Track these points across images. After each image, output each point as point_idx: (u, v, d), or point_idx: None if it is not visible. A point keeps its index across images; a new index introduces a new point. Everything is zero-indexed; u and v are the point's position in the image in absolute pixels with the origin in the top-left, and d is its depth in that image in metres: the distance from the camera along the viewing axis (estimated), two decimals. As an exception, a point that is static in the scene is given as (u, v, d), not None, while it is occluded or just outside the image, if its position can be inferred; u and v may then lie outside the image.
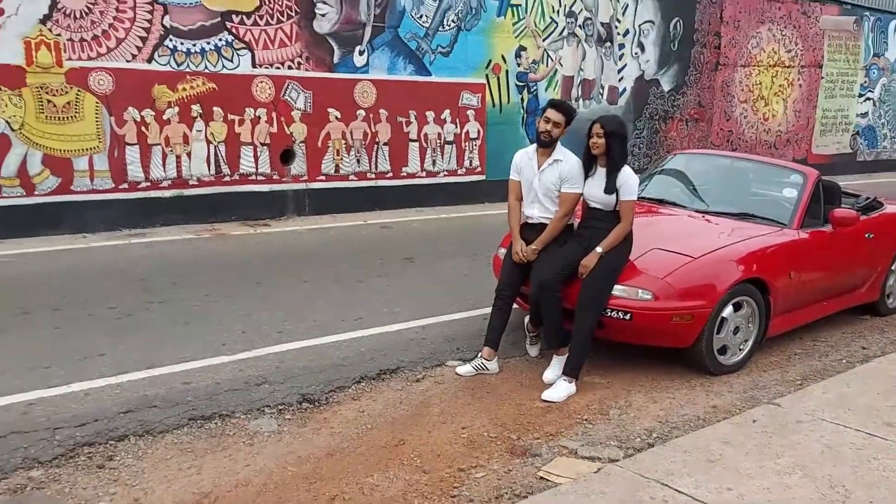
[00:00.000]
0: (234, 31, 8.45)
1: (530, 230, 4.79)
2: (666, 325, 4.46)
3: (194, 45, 8.23)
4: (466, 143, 10.57)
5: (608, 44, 12.17)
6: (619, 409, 4.21)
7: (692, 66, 13.46)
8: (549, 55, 11.42)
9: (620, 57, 12.41)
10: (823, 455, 3.43)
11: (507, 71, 10.92)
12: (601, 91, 12.23)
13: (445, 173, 10.41)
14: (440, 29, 10.07)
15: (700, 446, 3.50)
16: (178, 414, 3.91)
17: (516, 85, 11.09)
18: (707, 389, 4.54)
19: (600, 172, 4.59)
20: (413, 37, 9.83)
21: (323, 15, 9.04)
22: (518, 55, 11.02)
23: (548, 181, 4.68)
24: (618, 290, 4.51)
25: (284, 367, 4.53)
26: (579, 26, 11.71)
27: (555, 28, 11.40)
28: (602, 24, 11.99)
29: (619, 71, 12.44)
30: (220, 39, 8.40)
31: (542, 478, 3.40)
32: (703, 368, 4.71)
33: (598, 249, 4.45)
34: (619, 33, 12.26)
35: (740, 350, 4.85)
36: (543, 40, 11.30)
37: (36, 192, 7.53)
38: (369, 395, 4.31)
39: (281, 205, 9.01)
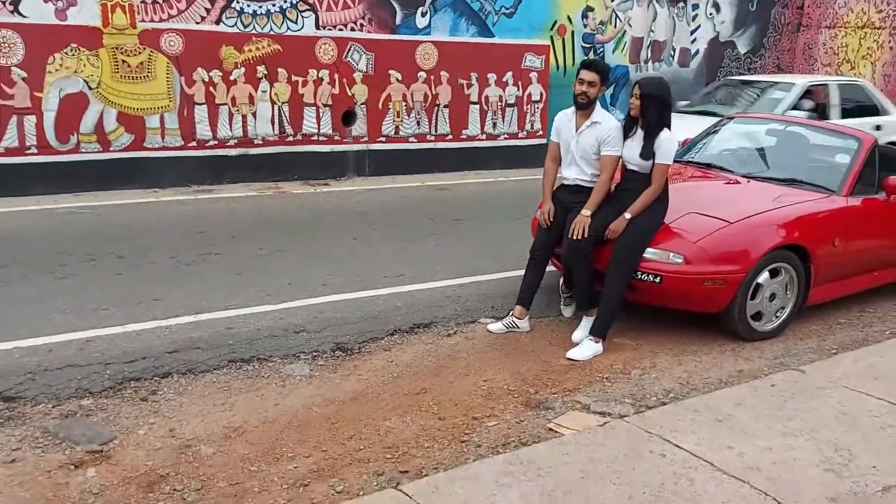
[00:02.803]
0: (298, -7, 8.65)
1: (565, 191, 4.84)
2: (697, 289, 4.46)
3: (260, 7, 8.48)
4: (528, 106, 10.55)
5: (681, 4, 11.83)
6: (641, 369, 4.26)
7: (771, 28, 12.95)
8: (617, 16, 11.21)
9: (694, 18, 12.05)
10: (837, 420, 3.41)
11: (572, 32, 10.80)
12: (672, 53, 11.94)
13: (506, 136, 10.42)
14: (505, -11, 10.02)
15: (712, 407, 3.54)
16: (219, 356, 4.19)
17: (582, 46, 10.95)
18: (737, 354, 4.52)
19: (640, 135, 4.58)
20: (476, -2, 9.82)
21: (386, -24, 9.14)
22: (585, 16, 10.87)
23: (585, 143, 4.70)
24: (649, 252, 4.52)
25: (323, 317, 4.76)
26: (651, -14, 11.42)
27: (625, -12, 11.15)
28: (675, -18, 11.66)
29: (692, 32, 12.10)
30: (286, 1, 8.61)
31: (550, 429, 3.51)
32: (736, 334, 4.69)
33: (627, 215, 4.46)
34: (693, -7, 11.90)
35: (776, 317, 4.79)
36: (612, 0, 11.08)
37: (111, 148, 7.99)
38: (400, 346, 4.49)
39: (341, 165, 9.26)
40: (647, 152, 4.50)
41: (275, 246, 6.19)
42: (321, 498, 2.98)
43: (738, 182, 5.29)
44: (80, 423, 3.46)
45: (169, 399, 3.76)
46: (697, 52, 12.20)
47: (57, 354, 4.03)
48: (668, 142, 4.49)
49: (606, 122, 4.68)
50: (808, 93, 9.42)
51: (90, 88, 7.76)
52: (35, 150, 7.61)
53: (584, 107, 4.65)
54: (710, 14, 12.19)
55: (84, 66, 7.68)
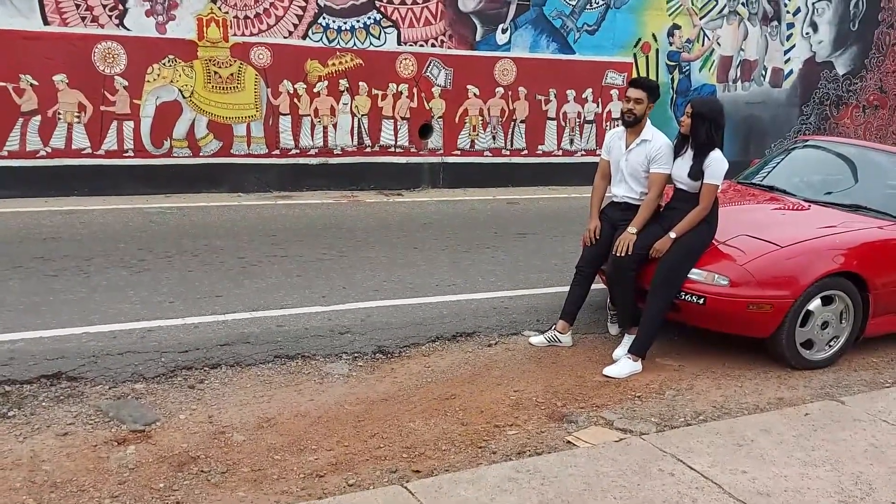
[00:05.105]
0: (382, 9, 8.96)
1: (614, 209, 4.86)
2: (741, 312, 4.37)
3: (345, 23, 8.83)
4: (608, 123, 10.48)
5: (775, 23, 11.49)
6: (676, 390, 4.22)
7: (874, 48, 12.36)
8: (705, 34, 11.00)
9: (788, 37, 11.67)
10: (865, 454, 3.29)
11: (657, 50, 10.68)
12: (763, 73, 11.59)
13: (583, 153, 10.40)
14: (587, 7, 10.03)
15: (735, 430, 3.48)
16: (266, 351, 4.42)
17: (667, 64, 10.82)
18: (782, 382, 4.40)
19: (689, 154, 4.55)
20: (558, 15, 9.88)
21: (468, -6, 9.34)
22: (671, 34, 10.73)
23: (635, 161, 4.71)
24: (695, 273, 4.47)
25: (370, 320, 4.94)
26: (742, 4, 11.16)
27: (714, 6, 10.95)
28: (769, 1, 11.34)
29: (786, 52, 11.71)
30: (369, 18, 8.94)
31: (568, 442, 3.54)
32: (785, 361, 4.56)
33: (672, 234, 4.44)
34: (788, 12, 11.53)
35: (829, 346, 4.62)
36: (700, 18, 10.90)
37: (201, 154, 8.50)
38: (439, 353, 4.61)
39: (416, 177, 9.48)
40: (696, 172, 4.46)
41: (338, 251, 6.44)
42: (332, 489, 3.13)
43: (799, 206, 5.15)
44: (129, 405, 3.75)
45: (214, 388, 4.01)
46: (791, 72, 11.80)
47: (120, 341, 4.37)
48: (717, 162, 4.44)
49: (657, 139, 4.67)
50: None
51: (184, 97, 8.29)
52: (132, 153, 8.19)
53: (632, 124, 4.66)
54: (807, 33, 11.77)
55: (179, 76, 8.22)
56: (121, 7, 7.85)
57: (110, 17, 7.83)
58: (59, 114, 7.80)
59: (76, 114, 7.88)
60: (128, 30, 7.92)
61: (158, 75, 8.13)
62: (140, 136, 8.18)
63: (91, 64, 7.81)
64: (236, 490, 3.12)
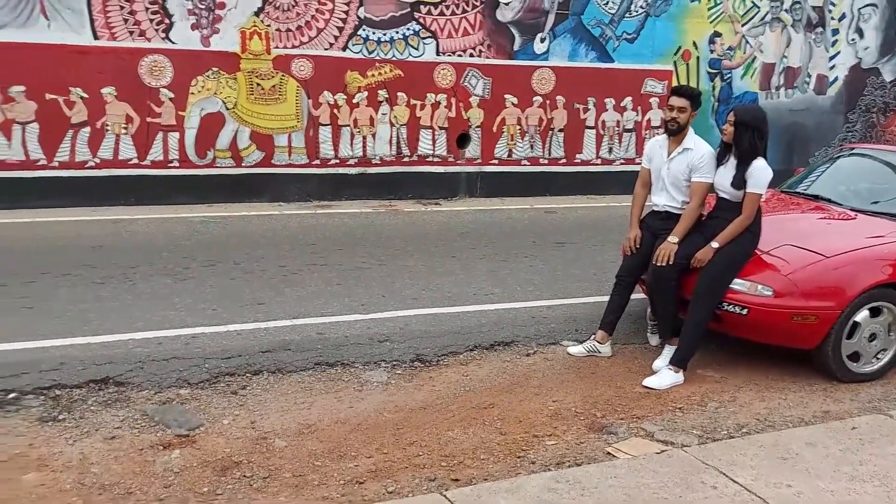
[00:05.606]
0: (421, 20, 9.03)
1: (654, 218, 4.83)
2: (785, 323, 4.30)
3: (385, 35, 8.92)
4: (647, 132, 10.40)
5: (819, 29, 11.29)
6: (719, 402, 4.16)
7: (923, 54, 12.06)
8: (747, 41, 10.87)
9: (833, 43, 11.46)
10: (915, 470, 3.21)
11: (697, 58, 10.57)
12: (807, 80, 11.40)
13: (622, 161, 10.33)
14: (627, 15, 9.99)
15: (780, 444, 3.42)
16: (307, 358, 4.48)
17: (708, 72, 10.70)
18: (828, 395, 4.31)
19: (732, 163, 4.51)
20: (597, 23, 9.85)
21: (506, 4, 9.36)
22: (712, 41, 10.62)
23: (676, 170, 4.68)
24: (738, 283, 4.41)
25: (408, 329, 4.97)
26: (785, 10, 11.00)
27: (756, 13, 10.81)
28: (813, 7, 11.16)
29: (831, 58, 11.50)
30: (409, 29, 9.02)
31: (608, 453, 3.52)
32: (830, 374, 4.47)
33: (714, 244, 4.39)
34: (833, 18, 11.33)
35: (877, 359, 4.52)
36: (742, 25, 10.77)
37: (243, 164, 8.64)
38: (478, 362, 4.62)
39: (454, 186, 9.51)
40: (739, 181, 4.41)
41: (377, 260, 6.49)
42: (372, 496, 3.15)
43: (845, 216, 5.05)
44: (174, 410, 3.83)
45: (256, 394, 4.07)
46: (836, 79, 11.58)
47: (165, 347, 4.46)
48: (760, 171, 4.39)
49: (699, 148, 4.64)
50: None
51: (227, 108, 8.45)
52: (177, 164, 8.36)
53: (675, 133, 4.63)
54: (852, 40, 11.55)
55: (223, 88, 8.38)
56: (167, 21, 8.04)
57: (157, 31, 8.02)
58: (108, 125, 8.00)
59: (124, 125, 8.07)
60: (173, 43, 8.10)
61: (203, 87, 8.30)
62: (184, 146, 8.35)
63: (138, 77, 8.01)
64: (278, 495, 3.16)
